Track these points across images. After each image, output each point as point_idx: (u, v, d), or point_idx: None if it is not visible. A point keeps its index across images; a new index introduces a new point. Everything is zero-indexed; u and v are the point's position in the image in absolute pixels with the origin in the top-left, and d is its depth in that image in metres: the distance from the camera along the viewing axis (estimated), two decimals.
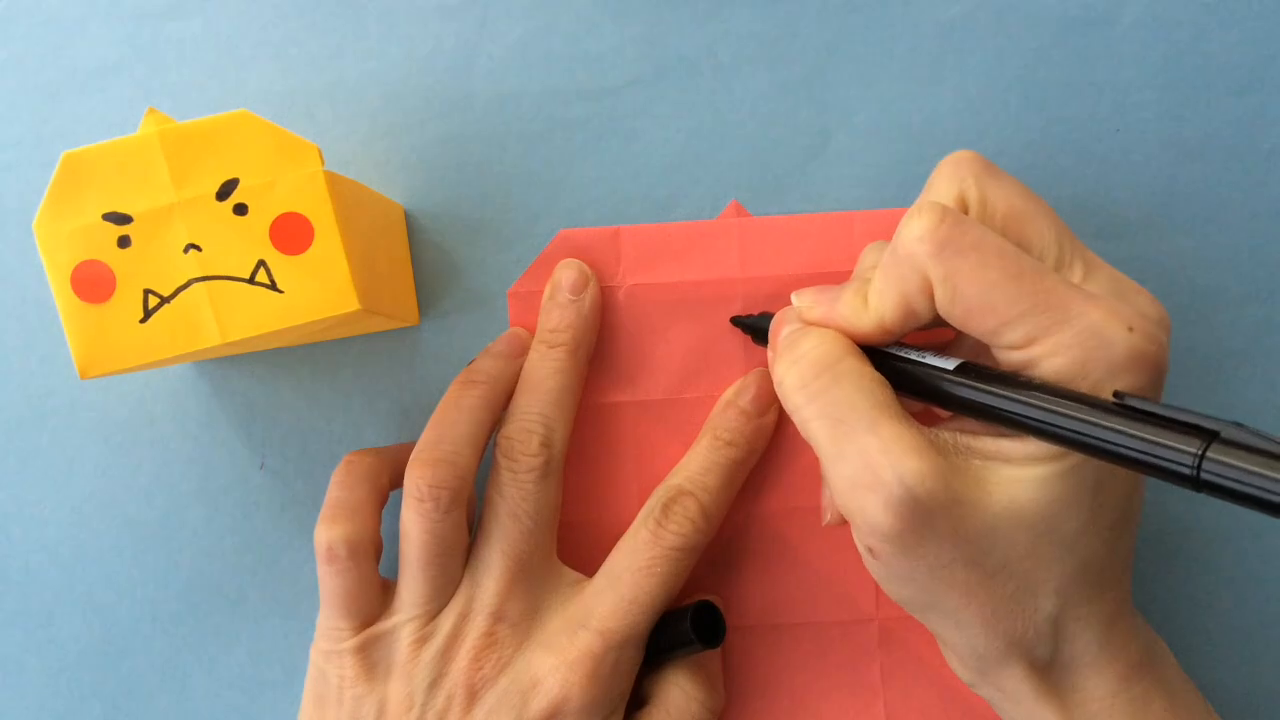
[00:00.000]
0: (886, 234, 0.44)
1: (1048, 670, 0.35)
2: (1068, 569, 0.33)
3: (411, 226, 0.44)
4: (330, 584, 0.40)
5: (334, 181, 0.36)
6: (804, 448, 0.44)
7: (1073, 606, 0.34)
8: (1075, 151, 0.44)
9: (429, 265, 0.45)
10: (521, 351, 0.43)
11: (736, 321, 0.43)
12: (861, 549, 0.35)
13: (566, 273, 0.43)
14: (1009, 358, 0.33)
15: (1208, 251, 0.44)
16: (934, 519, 0.32)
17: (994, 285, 0.32)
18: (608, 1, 0.44)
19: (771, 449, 0.44)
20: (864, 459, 0.33)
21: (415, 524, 0.39)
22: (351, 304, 0.36)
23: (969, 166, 0.36)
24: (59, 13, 0.45)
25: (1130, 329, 0.32)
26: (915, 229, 0.33)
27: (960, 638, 0.35)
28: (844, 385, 0.34)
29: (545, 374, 0.42)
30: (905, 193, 0.44)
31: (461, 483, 0.40)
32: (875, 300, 0.35)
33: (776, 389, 0.37)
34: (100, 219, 0.35)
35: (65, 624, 0.45)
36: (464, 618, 0.39)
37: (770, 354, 0.39)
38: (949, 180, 0.36)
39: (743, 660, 0.44)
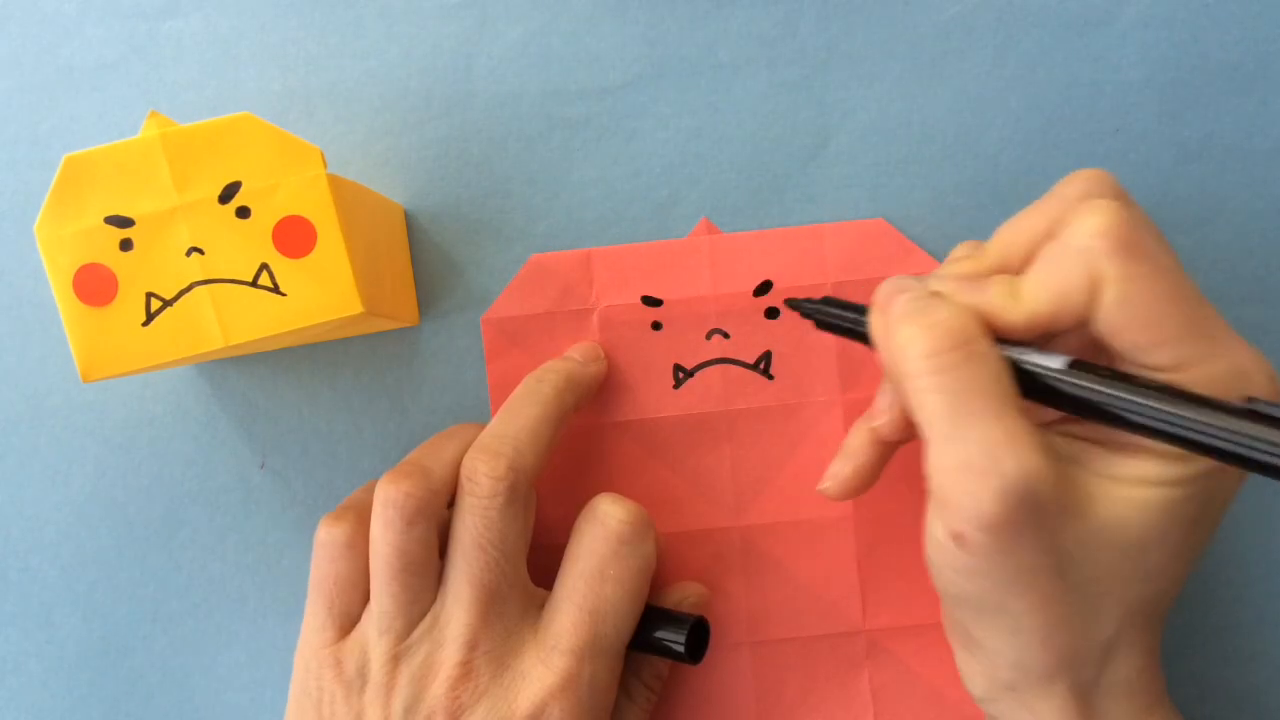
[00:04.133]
0: (855, 246, 0.44)
1: (1085, 694, 0.34)
2: (1139, 596, 0.33)
3: (411, 226, 0.44)
4: (322, 570, 0.40)
5: (336, 184, 0.36)
6: (786, 463, 0.44)
7: (1127, 633, 0.33)
8: (1075, 151, 0.44)
9: (429, 265, 0.44)
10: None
11: (793, 304, 0.41)
12: (943, 535, 0.33)
13: (583, 345, 0.43)
14: (1152, 378, 0.32)
15: (1208, 251, 0.44)
16: (1040, 519, 0.31)
17: (1162, 300, 0.31)
18: (608, 1, 0.44)
19: (755, 465, 0.44)
20: (985, 444, 0.31)
21: (380, 534, 0.38)
22: (355, 307, 0.36)
23: (1104, 186, 0.34)
24: (56, 11, 0.45)
25: (1271, 378, 0.31)
26: (1096, 223, 0.31)
27: (1009, 645, 0.34)
28: (976, 365, 0.32)
29: (525, 403, 0.41)
30: (905, 193, 0.44)
31: (431, 495, 0.38)
32: (1031, 291, 0.33)
33: (892, 351, 0.34)
34: (102, 222, 0.35)
35: (65, 624, 0.45)
36: (438, 645, 0.38)
37: (877, 318, 0.36)
38: (1082, 196, 0.34)
39: (732, 677, 0.44)
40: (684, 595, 0.43)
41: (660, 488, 0.44)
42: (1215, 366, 0.31)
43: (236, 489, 0.45)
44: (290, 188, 0.36)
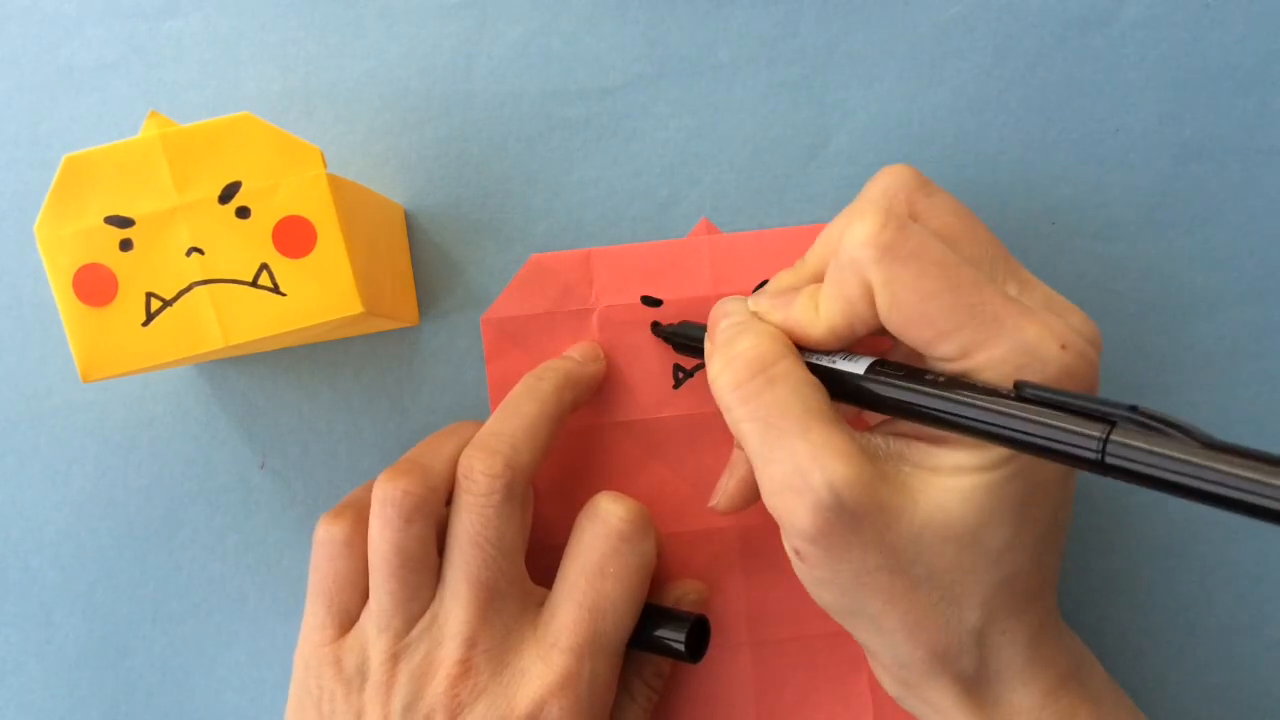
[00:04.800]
0: None
1: (973, 683, 0.34)
2: (993, 582, 0.33)
3: (411, 226, 0.44)
4: (326, 566, 0.40)
5: (336, 184, 0.36)
6: None
7: (998, 620, 0.34)
8: (1075, 151, 0.44)
9: (429, 265, 0.44)
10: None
11: (656, 330, 0.43)
12: (789, 551, 0.35)
13: (582, 344, 0.43)
14: (943, 370, 0.33)
15: (1208, 251, 0.44)
16: (859, 524, 0.32)
17: (932, 295, 0.32)
18: (608, 1, 0.44)
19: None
20: (793, 462, 0.33)
21: (378, 532, 0.39)
22: (355, 307, 0.36)
23: (902, 181, 0.36)
24: (56, 11, 0.45)
25: (1063, 346, 0.32)
26: (859, 234, 0.33)
27: (883, 645, 0.35)
28: (778, 388, 0.34)
29: (523, 401, 0.41)
30: None
31: (429, 493, 0.39)
32: (825, 304, 0.34)
33: (710, 385, 0.36)
34: (102, 222, 0.35)
35: (65, 624, 0.45)
36: (437, 643, 0.38)
37: (708, 345, 0.38)
38: (880, 195, 0.36)
39: (732, 677, 0.44)
40: (683, 593, 0.43)
41: (660, 488, 0.44)
42: (997, 350, 0.32)
43: (236, 489, 0.45)
44: (290, 188, 0.36)
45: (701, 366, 0.44)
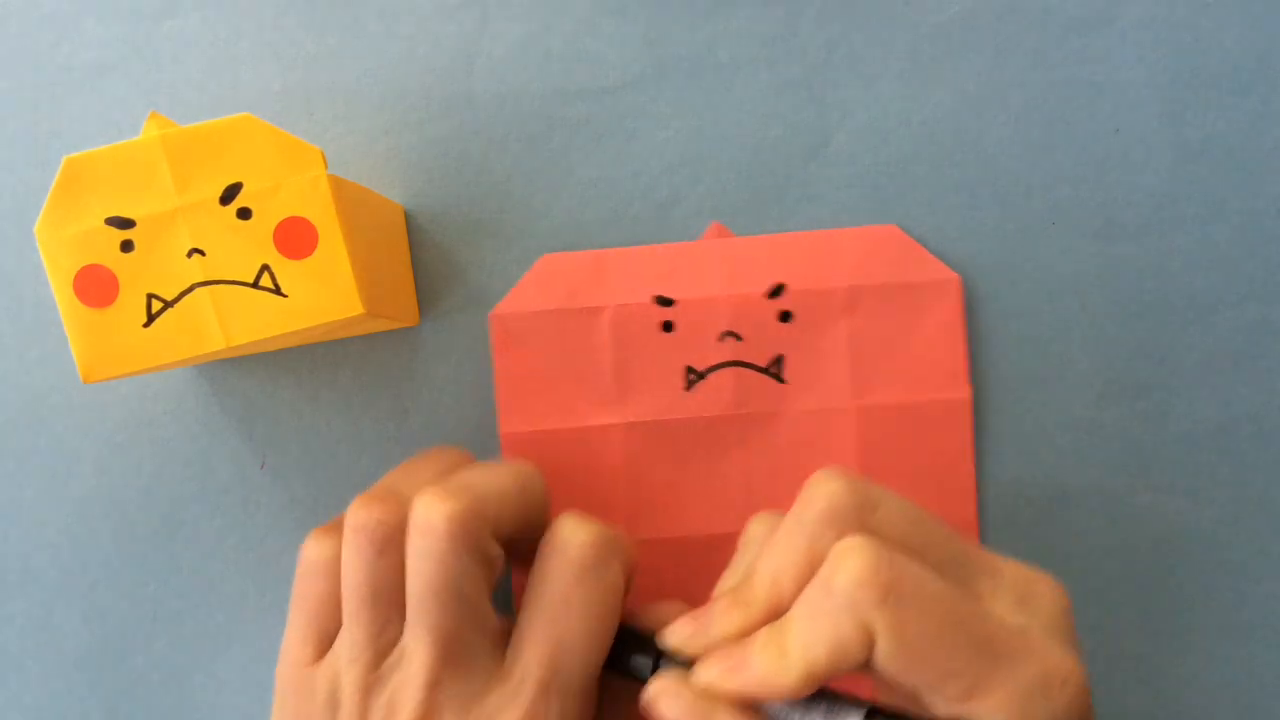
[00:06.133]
0: (868, 252, 0.44)
1: None
2: None
3: (411, 226, 0.44)
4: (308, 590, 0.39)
5: (337, 185, 0.36)
6: (797, 468, 0.44)
7: None
8: (1075, 151, 0.44)
9: (429, 265, 0.44)
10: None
11: None
12: None
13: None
14: (945, 709, 0.31)
15: (1208, 251, 0.44)
16: None
17: (939, 635, 0.30)
18: (608, 1, 0.44)
19: (766, 469, 0.44)
20: None
21: (350, 561, 0.37)
22: (356, 308, 0.36)
23: (844, 499, 0.33)
24: (56, 11, 0.45)
25: (1064, 682, 0.30)
26: (853, 571, 0.30)
27: None
28: None
29: (502, 469, 0.39)
30: (906, 193, 0.44)
31: (403, 522, 0.37)
32: (801, 651, 0.31)
33: None
34: (103, 223, 0.35)
35: (65, 624, 0.45)
36: (403, 684, 0.36)
37: None
38: (826, 519, 0.33)
39: None
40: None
41: (669, 491, 0.44)
42: (1006, 689, 0.30)
43: (236, 489, 0.45)
44: (291, 189, 0.36)
45: (719, 367, 0.43)
